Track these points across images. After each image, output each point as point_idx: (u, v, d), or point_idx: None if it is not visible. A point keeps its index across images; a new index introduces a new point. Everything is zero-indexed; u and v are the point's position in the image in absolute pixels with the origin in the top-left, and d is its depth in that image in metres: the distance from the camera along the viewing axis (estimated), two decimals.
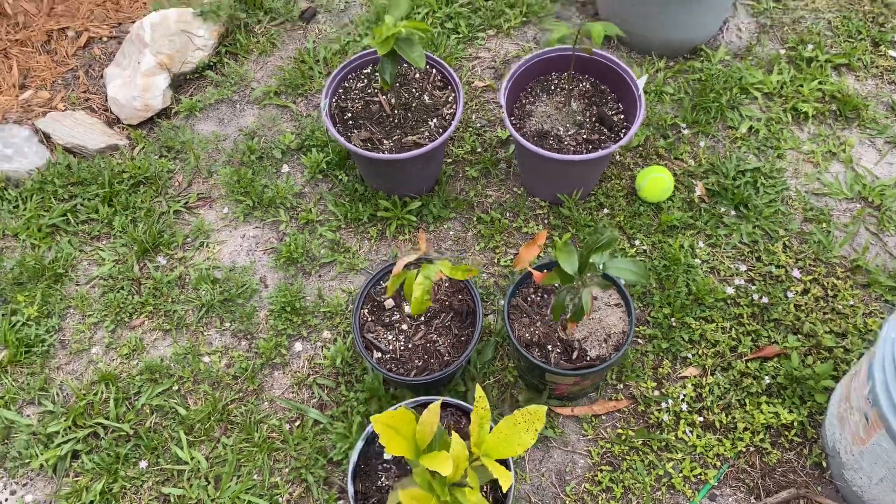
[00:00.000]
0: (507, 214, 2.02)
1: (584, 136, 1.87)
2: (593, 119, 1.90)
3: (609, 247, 1.42)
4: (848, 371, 1.69)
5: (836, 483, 1.60)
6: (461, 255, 1.95)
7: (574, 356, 1.55)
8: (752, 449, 1.66)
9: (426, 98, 1.92)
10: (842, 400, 1.52)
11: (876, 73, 2.24)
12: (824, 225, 1.95)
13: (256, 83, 2.32)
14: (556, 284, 1.50)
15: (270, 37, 2.42)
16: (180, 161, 2.16)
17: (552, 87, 1.96)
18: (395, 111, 1.89)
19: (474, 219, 2.01)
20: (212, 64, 2.35)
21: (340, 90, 1.94)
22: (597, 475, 1.63)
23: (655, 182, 1.96)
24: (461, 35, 2.37)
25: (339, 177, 2.07)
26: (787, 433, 1.67)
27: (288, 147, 2.15)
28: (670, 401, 1.71)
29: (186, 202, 2.08)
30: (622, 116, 1.91)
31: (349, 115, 1.89)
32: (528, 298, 1.65)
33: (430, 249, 1.97)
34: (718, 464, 1.64)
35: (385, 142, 1.84)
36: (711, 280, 1.86)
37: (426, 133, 1.86)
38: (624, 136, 1.87)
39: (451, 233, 2.00)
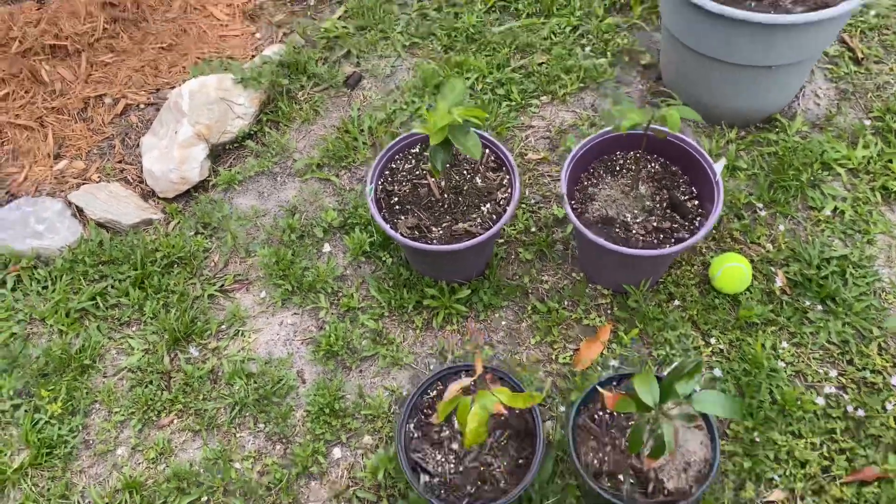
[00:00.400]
0: (566, 303, 1.84)
1: (654, 224, 1.70)
2: (664, 205, 1.73)
3: (695, 374, 1.24)
4: None
5: None
6: (514, 351, 1.78)
7: (649, 489, 1.37)
8: None
9: (479, 181, 1.77)
10: None
11: None
12: None
13: (299, 154, 2.20)
14: (633, 413, 1.32)
15: (314, 104, 2.30)
16: (217, 239, 2.04)
17: (617, 168, 1.80)
18: (445, 195, 1.74)
19: (529, 307, 1.84)
20: (252, 133, 2.25)
21: (387, 171, 1.80)
22: None
23: (731, 272, 1.77)
24: (513, 102, 2.23)
25: (383, 259, 1.93)
26: None
27: (330, 225, 2.02)
28: None
29: (222, 285, 1.95)
30: (696, 202, 1.73)
31: (396, 198, 1.75)
32: (596, 416, 1.47)
33: (480, 339, 1.80)
34: None
35: (434, 229, 1.69)
36: (798, 388, 1.66)
37: (478, 220, 1.70)
38: (699, 224, 1.69)
39: (504, 323, 1.83)
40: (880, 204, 1.94)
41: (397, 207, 1.74)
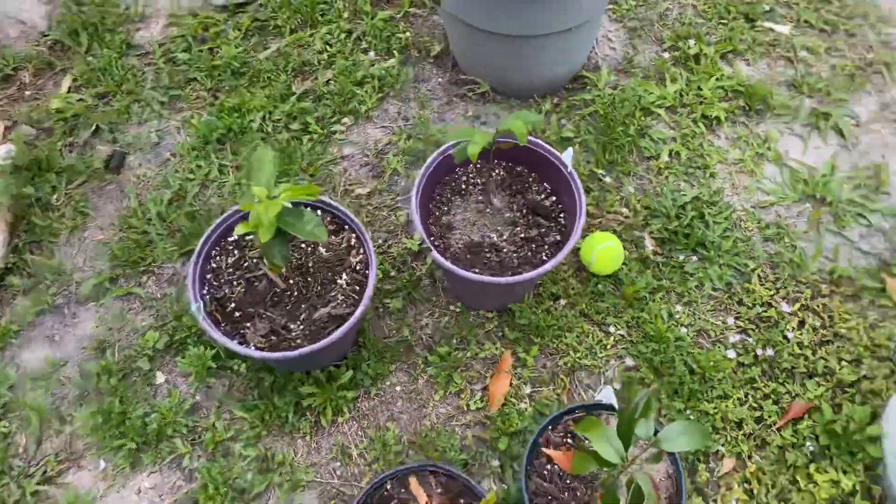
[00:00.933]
0: (455, 342, 1.66)
1: (522, 235, 1.54)
2: (524, 211, 1.58)
3: (650, 410, 1.11)
4: (884, 406, 1.51)
5: None
6: (421, 416, 1.58)
7: None
8: None
9: (323, 251, 1.50)
10: None
11: (763, 51, 2.09)
12: (787, 240, 1.76)
13: (81, 273, 1.78)
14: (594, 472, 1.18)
15: (77, 205, 1.87)
16: (15, 417, 1.60)
17: (462, 187, 1.61)
18: (292, 281, 1.46)
19: (419, 362, 1.64)
20: (11, 267, 1.78)
21: (209, 275, 1.47)
22: None
23: (605, 253, 1.68)
24: (315, 134, 1.95)
25: (236, 368, 1.61)
26: (852, 500, 1.46)
27: (155, 349, 1.65)
28: None
29: (45, 472, 1.53)
30: (553, 198, 1.60)
31: (233, 305, 1.44)
32: (546, 471, 1.31)
33: (379, 420, 1.58)
34: None
35: (292, 326, 1.41)
36: (707, 349, 1.62)
37: (339, 296, 1.45)
38: (564, 220, 1.56)
39: (399, 388, 1.61)
40: (706, 133, 1.94)
41: (238, 315, 1.43)
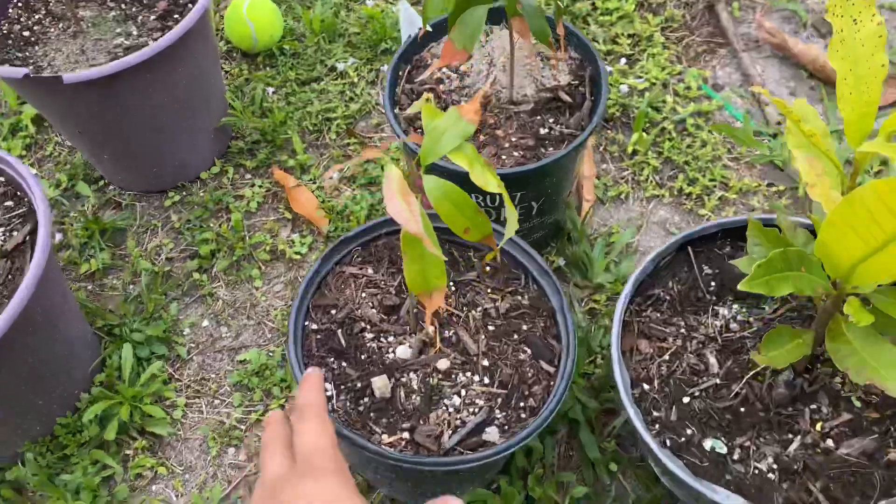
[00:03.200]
0: (210, 224, 1.11)
1: (151, 25, 1.05)
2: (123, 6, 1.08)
3: None
4: None
5: None
6: (263, 311, 1.02)
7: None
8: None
9: None
10: None
11: None
12: None
13: None
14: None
15: None
16: None
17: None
18: None
19: (197, 278, 1.06)
20: None
21: None
22: None
23: (258, 13, 1.25)
24: None
25: None
26: None
27: None
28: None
29: None
30: None
31: None
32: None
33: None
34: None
35: None
36: None
37: None
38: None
39: (206, 322, 1.03)
40: None
41: None
